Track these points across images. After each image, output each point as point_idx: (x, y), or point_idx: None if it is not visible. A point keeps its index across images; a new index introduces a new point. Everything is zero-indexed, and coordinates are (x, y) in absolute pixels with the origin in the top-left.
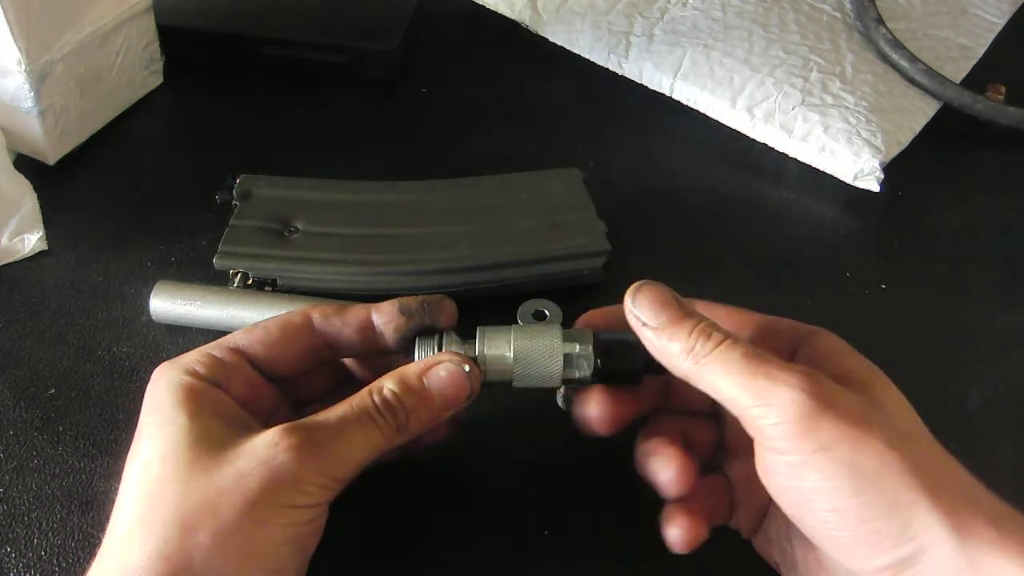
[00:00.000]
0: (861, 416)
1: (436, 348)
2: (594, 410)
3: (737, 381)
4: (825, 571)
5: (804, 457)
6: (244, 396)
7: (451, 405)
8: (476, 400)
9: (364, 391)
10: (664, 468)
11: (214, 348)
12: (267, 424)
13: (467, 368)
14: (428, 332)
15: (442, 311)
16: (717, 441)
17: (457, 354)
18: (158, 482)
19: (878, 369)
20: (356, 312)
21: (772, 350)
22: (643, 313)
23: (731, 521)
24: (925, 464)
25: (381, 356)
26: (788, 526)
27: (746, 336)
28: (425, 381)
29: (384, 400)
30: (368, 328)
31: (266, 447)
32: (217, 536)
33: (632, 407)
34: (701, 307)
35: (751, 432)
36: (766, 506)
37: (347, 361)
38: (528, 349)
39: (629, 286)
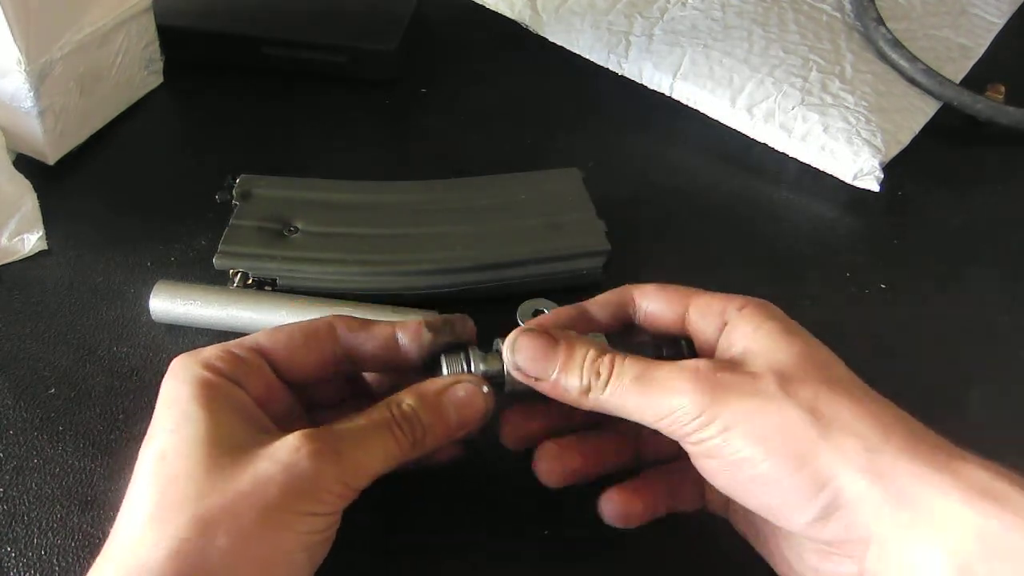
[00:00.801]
0: (752, 387)
1: (465, 364)
2: (544, 464)
3: (637, 404)
4: (778, 533)
5: (715, 442)
6: (260, 396)
7: (467, 425)
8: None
9: (383, 404)
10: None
11: (234, 346)
12: (281, 426)
13: (484, 389)
14: (453, 349)
15: (465, 329)
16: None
17: (475, 376)
18: (174, 478)
19: (782, 323)
20: (381, 328)
21: (704, 328)
22: (528, 370)
23: (708, 506)
24: (824, 407)
25: (399, 372)
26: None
27: (689, 316)
28: (444, 399)
29: (403, 414)
30: (392, 345)
31: (288, 452)
32: (236, 540)
33: (577, 463)
34: (639, 294)
35: (668, 435)
36: None
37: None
38: None
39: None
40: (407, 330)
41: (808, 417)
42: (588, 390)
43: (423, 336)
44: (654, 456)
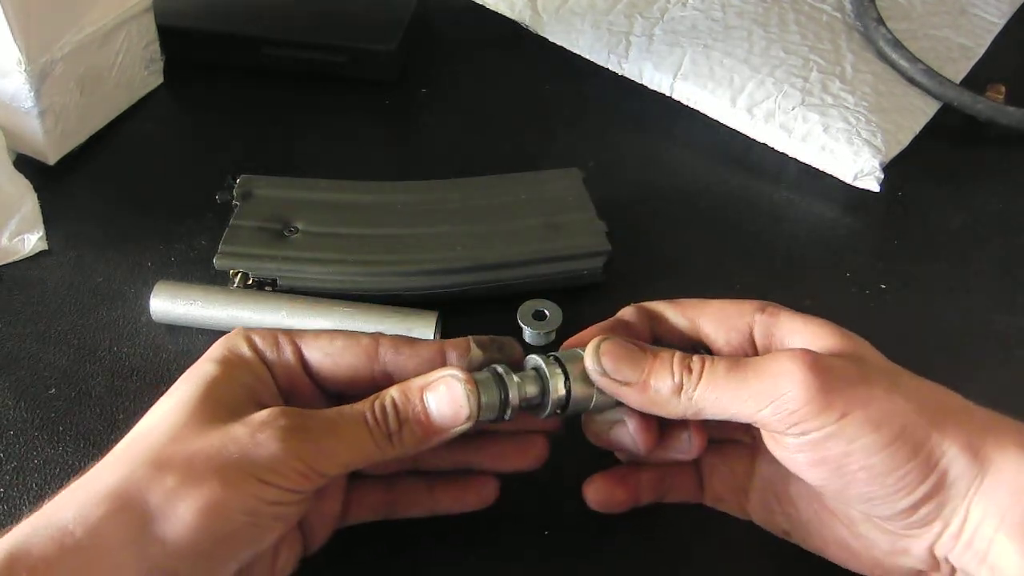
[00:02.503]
0: (859, 374)
1: (562, 373)
2: (593, 494)
3: (735, 396)
4: (837, 518)
5: (829, 429)
6: (284, 387)
7: (448, 424)
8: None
9: (371, 397)
10: (632, 424)
11: (280, 333)
12: None
13: (468, 387)
14: (485, 368)
15: (514, 351)
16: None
17: (465, 374)
18: (154, 423)
19: (833, 324)
20: (427, 347)
21: (730, 340)
22: (619, 373)
23: (704, 500)
24: (918, 396)
25: None
26: (786, 490)
27: (702, 329)
28: (425, 394)
29: (382, 405)
30: (438, 363)
31: (259, 421)
32: (183, 485)
33: (631, 490)
34: (650, 308)
35: (768, 429)
36: (742, 482)
37: None
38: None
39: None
40: (456, 346)
41: (915, 405)
42: (680, 388)
43: (472, 352)
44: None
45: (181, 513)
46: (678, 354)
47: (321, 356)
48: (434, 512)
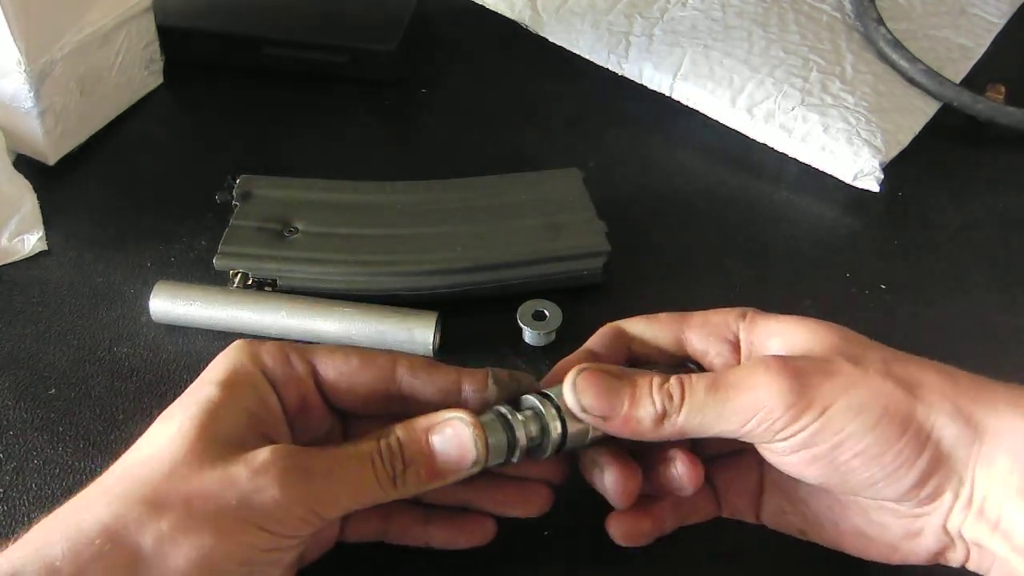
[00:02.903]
0: (831, 368)
1: (555, 411)
2: (612, 486)
3: (718, 415)
4: (851, 509)
5: (813, 428)
6: (293, 407)
7: (454, 468)
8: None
9: (375, 435)
10: (609, 478)
11: (292, 349)
12: (305, 441)
13: (475, 432)
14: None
15: (529, 385)
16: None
17: (471, 416)
18: (150, 457)
19: (801, 318)
20: (445, 374)
21: (710, 349)
22: (596, 409)
23: (722, 513)
24: (897, 371)
25: None
26: (796, 492)
27: (687, 340)
28: (431, 436)
29: (387, 446)
30: (453, 392)
31: (260, 463)
32: (178, 531)
33: (639, 476)
34: (634, 324)
35: (754, 440)
36: (753, 489)
37: None
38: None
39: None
40: (474, 379)
41: (892, 382)
42: (663, 416)
43: (489, 388)
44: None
45: (173, 560)
46: (656, 379)
47: (336, 375)
48: (427, 544)
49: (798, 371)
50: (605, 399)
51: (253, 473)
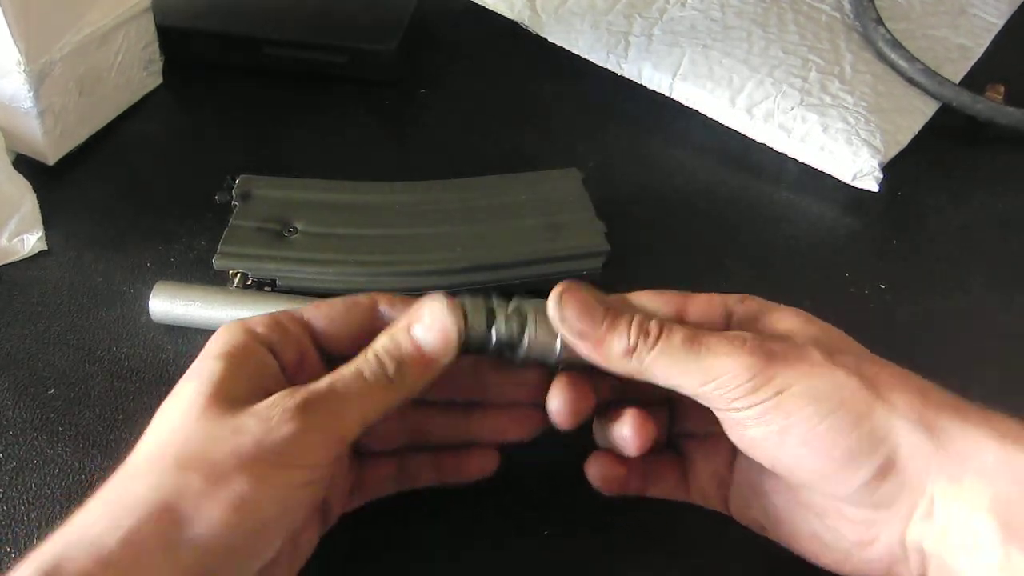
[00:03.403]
0: (800, 353)
1: (485, 315)
2: (554, 402)
3: (684, 368)
4: (809, 509)
5: (767, 404)
6: (292, 364)
7: (439, 349)
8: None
9: (363, 352)
10: (625, 425)
11: (281, 314)
12: None
13: (448, 305)
14: (476, 298)
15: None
16: (667, 426)
17: (445, 295)
18: (169, 427)
19: (796, 311)
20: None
21: (707, 325)
22: (574, 324)
23: (690, 496)
24: (869, 372)
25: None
26: (761, 483)
27: (690, 317)
28: (412, 330)
29: (374, 355)
30: None
31: (267, 406)
32: (209, 484)
33: (589, 401)
34: (638, 296)
35: (710, 404)
36: (723, 475)
37: None
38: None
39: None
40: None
41: (856, 379)
42: (633, 350)
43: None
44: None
45: (212, 514)
46: (638, 316)
47: (326, 322)
48: (440, 481)
49: (769, 351)
50: (587, 316)
51: (263, 418)
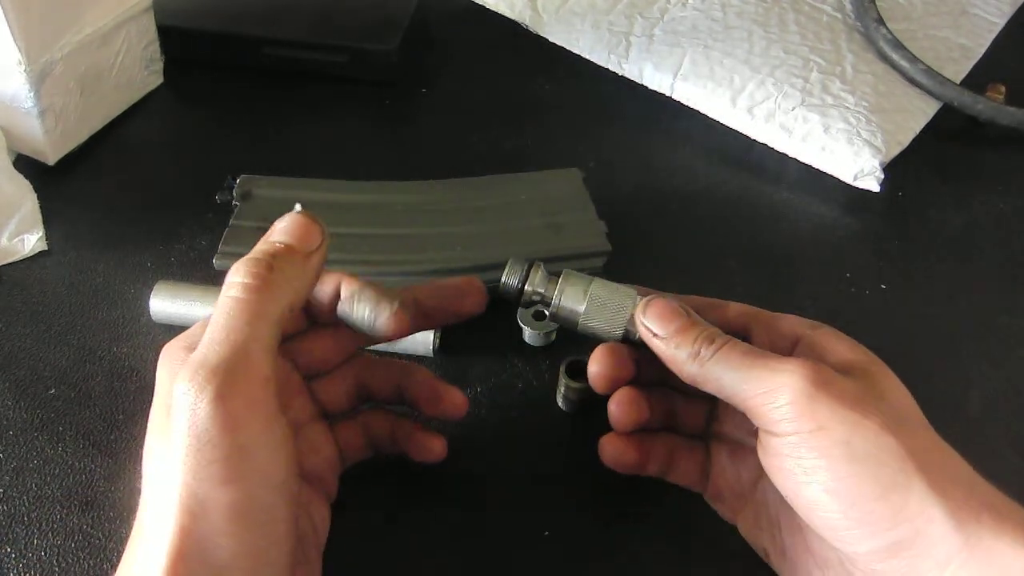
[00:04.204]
0: (858, 399)
1: (523, 275)
2: (595, 366)
3: (738, 376)
4: (812, 556)
5: (802, 436)
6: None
7: (303, 236)
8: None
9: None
10: (613, 402)
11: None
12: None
13: (298, 207)
14: (519, 262)
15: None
16: (706, 421)
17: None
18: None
19: (878, 359)
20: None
21: (773, 346)
22: (652, 324)
23: (706, 494)
24: (921, 449)
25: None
26: (778, 513)
27: (752, 331)
28: (272, 235)
29: (246, 262)
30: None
31: (181, 393)
32: (212, 395)
33: (628, 371)
34: (709, 305)
35: (755, 419)
36: (745, 490)
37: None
38: (602, 300)
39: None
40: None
41: (904, 449)
42: (696, 355)
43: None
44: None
45: (204, 408)
46: (707, 329)
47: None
48: (400, 452)
49: (826, 382)
50: (663, 321)
51: (183, 404)
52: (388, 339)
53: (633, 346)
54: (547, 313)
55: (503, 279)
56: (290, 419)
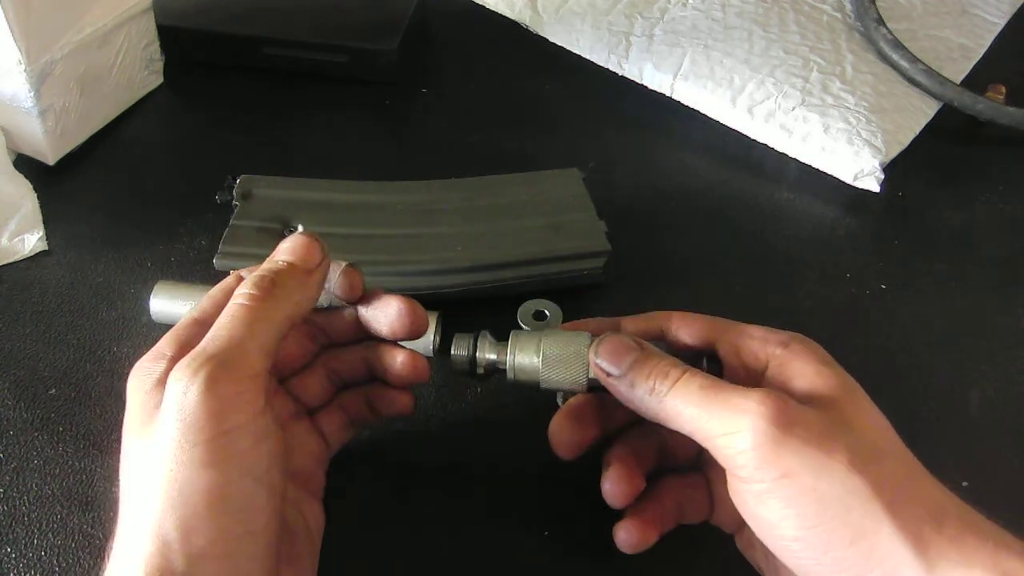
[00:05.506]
0: (824, 436)
1: (471, 346)
2: (553, 439)
3: (698, 413)
4: None
5: (767, 485)
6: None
7: (306, 256)
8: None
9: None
10: (607, 481)
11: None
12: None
13: (308, 235)
14: (465, 332)
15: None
16: (697, 449)
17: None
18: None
19: (849, 381)
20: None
21: (743, 366)
22: (605, 364)
23: (712, 518)
24: (890, 482)
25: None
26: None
27: (720, 348)
28: (277, 255)
29: (252, 281)
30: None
31: (174, 392)
32: (200, 383)
33: (592, 432)
34: (677, 318)
35: (719, 460)
36: (741, 517)
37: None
38: (556, 355)
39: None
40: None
41: (871, 490)
42: (652, 391)
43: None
44: (673, 462)
45: (192, 400)
46: (664, 361)
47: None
48: (376, 416)
49: (790, 422)
50: (616, 357)
51: (176, 401)
52: (349, 302)
53: (603, 391)
54: (508, 379)
55: (452, 352)
56: (274, 419)
